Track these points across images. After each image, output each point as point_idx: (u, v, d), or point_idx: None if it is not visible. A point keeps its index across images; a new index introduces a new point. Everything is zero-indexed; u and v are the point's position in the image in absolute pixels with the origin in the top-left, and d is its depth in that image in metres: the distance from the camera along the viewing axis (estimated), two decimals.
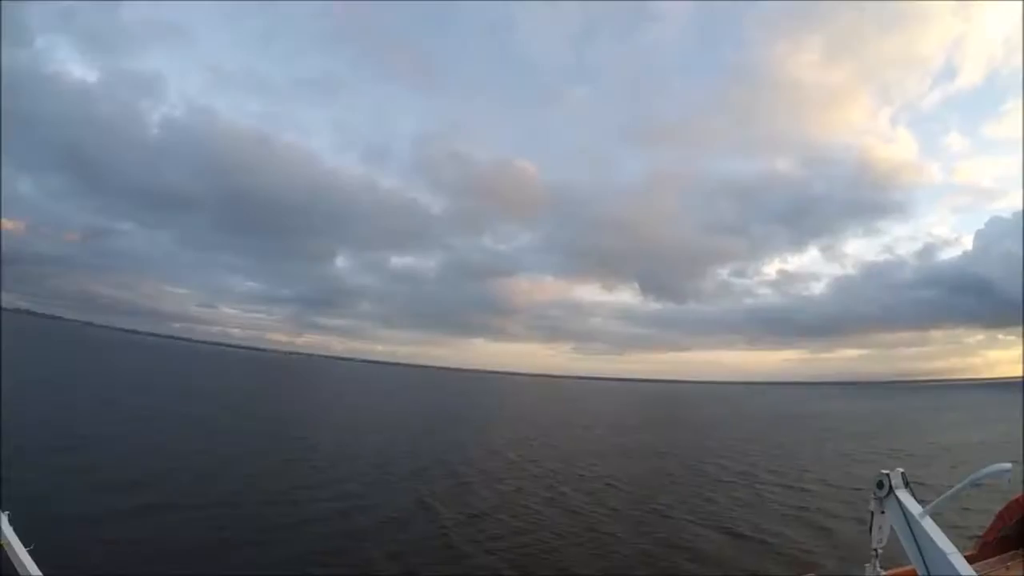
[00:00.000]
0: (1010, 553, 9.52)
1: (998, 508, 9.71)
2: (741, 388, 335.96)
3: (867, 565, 6.76)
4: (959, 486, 6.28)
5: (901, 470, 6.50)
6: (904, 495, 6.34)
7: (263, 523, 15.97)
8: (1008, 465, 5.96)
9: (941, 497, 6.30)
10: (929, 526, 6.04)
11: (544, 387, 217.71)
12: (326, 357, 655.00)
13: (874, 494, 6.55)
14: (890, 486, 6.41)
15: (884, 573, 6.69)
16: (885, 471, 6.45)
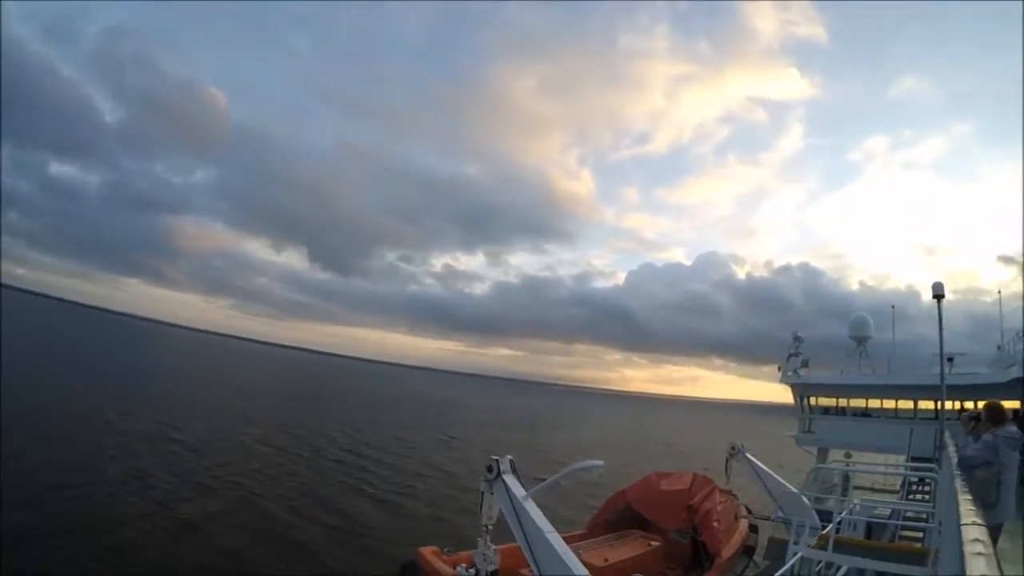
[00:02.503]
0: (614, 534, 12.25)
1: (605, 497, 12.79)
2: (397, 370, 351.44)
3: (479, 540, 7.63)
4: (557, 475, 7.57)
5: (510, 457, 7.52)
6: (511, 479, 7.37)
7: None
8: (599, 462, 7.44)
9: (541, 484, 7.51)
10: (531, 507, 7.13)
11: (195, 343, 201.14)
12: None
13: (484, 477, 7.46)
14: (499, 470, 7.36)
15: (494, 547, 7.59)
16: (495, 457, 7.40)
